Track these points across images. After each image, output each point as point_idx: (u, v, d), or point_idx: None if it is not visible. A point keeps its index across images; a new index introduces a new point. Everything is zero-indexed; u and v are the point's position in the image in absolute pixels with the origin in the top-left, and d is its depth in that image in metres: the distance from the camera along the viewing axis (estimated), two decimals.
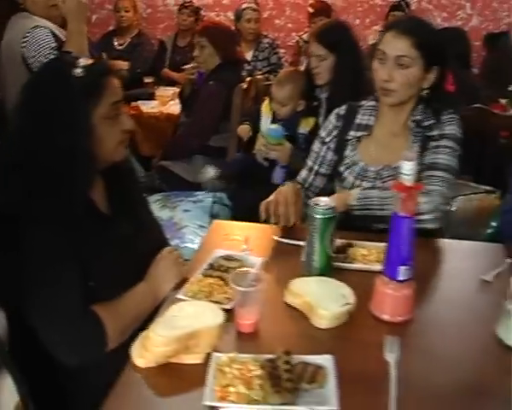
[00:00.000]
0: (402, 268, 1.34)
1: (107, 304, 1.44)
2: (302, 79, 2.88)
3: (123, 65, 4.83)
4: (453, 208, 2.64)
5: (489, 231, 2.31)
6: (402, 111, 1.99)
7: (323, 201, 1.50)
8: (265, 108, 3.10)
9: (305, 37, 4.98)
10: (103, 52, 4.85)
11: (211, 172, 3.04)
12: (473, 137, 2.99)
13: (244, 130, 3.16)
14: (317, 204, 1.49)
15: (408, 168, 1.26)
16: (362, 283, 1.48)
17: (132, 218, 1.64)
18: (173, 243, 2.76)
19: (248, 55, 4.92)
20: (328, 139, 2.11)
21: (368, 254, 1.67)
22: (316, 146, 2.15)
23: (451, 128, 1.96)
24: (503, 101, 4.10)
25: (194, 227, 2.81)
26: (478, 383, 1.25)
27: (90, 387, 1.33)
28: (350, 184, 2.03)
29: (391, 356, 1.25)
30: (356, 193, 1.92)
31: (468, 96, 3.16)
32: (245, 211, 2.57)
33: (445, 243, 1.95)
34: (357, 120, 2.07)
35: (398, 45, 1.87)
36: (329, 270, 1.54)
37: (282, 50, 5.36)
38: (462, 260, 1.82)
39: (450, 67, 3.22)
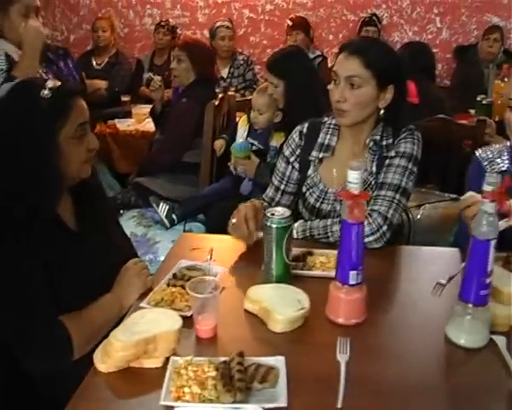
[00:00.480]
0: (353, 273, 1.41)
1: (74, 315, 1.50)
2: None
3: (101, 84, 4.92)
4: (418, 216, 2.73)
5: (453, 237, 2.38)
6: (362, 131, 2.02)
7: (279, 211, 1.57)
8: (242, 122, 3.21)
9: None
10: (82, 71, 4.96)
11: (164, 209, 3.10)
12: (438, 147, 3.08)
13: (218, 144, 3.25)
14: (272, 214, 1.56)
15: (354, 177, 1.33)
16: (321, 289, 1.53)
17: (100, 233, 1.70)
18: (147, 257, 2.83)
19: (224, 72, 5.01)
20: (292, 159, 2.12)
21: (326, 262, 1.72)
22: (281, 165, 2.15)
23: (406, 146, 1.98)
24: (472, 111, 4.21)
25: (168, 242, 2.86)
26: (425, 378, 1.31)
27: (56, 393, 1.38)
28: (311, 205, 2.06)
29: (342, 356, 1.32)
30: (298, 227, 1.95)
31: (433, 107, 3.26)
32: (217, 223, 2.64)
33: (406, 249, 2.04)
34: (320, 139, 2.08)
35: (349, 66, 1.91)
36: (288, 277, 1.61)
37: (257, 67, 5.44)
38: (420, 264, 1.90)
39: (415, 80, 3.33)
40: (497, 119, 3.70)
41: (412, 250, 2.06)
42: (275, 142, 2.98)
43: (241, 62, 5.09)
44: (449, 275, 1.70)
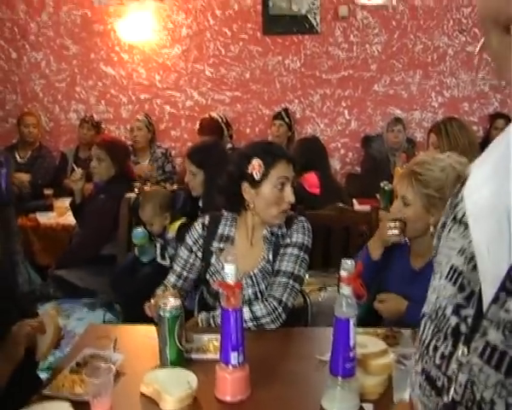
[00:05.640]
0: (234, 354, 1.58)
1: None
2: (161, 194, 3.22)
3: (24, 177, 5.00)
4: (320, 299, 2.94)
5: None
6: (263, 223, 2.25)
7: (170, 301, 1.74)
8: None
9: None
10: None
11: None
12: (337, 233, 3.35)
13: None
14: (165, 304, 1.73)
15: (229, 269, 1.53)
16: (214, 371, 1.70)
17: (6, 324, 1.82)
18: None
19: (144, 165, 5.22)
20: (195, 248, 2.30)
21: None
22: (183, 253, 2.31)
23: (298, 236, 2.23)
24: (378, 195, 4.55)
25: None
26: None
27: None
28: (214, 291, 2.23)
29: None
30: (202, 317, 2.14)
31: (332, 196, 3.54)
32: (133, 312, 2.77)
33: (300, 330, 2.23)
34: (220, 230, 2.29)
35: (291, 169, 2.21)
36: (181, 361, 1.76)
37: (178, 159, 5.69)
38: (310, 344, 2.08)
39: (318, 172, 3.63)
40: None
41: (305, 331, 2.26)
42: (170, 233, 3.14)
43: (160, 155, 5.31)
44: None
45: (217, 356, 1.79)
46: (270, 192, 2.18)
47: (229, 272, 1.53)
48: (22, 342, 1.71)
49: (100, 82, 5.89)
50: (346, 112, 5.82)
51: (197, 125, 5.28)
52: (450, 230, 0.78)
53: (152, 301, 2.02)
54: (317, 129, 5.81)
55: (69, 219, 4.11)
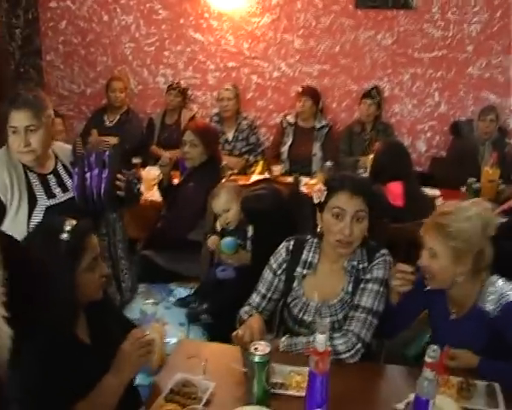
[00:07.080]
0: None
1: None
2: (234, 186, 3.34)
3: (112, 140, 5.18)
4: None
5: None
6: (344, 255, 2.31)
7: (261, 346, 1.84)
8: None
9: (288, 118, 5.43)
10: (94, 128, 5.24)
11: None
12: (419, 249, 3.31)
13: (212, 241, 3.29)
14: (255, 348, 1.82)
15: (320, 338, 1.60)
16: (295, 408, 1.79)
17: (111, 344, 1.96)
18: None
19: (229, 135, 5.32)
20: (279, 272, 2.39)
21: (302, 381, 1.95)
22: (268, 276, 2.41)
23: (379, 272, 2.27)
24: (463, 189, 4.44)
25: (175, 324, 3.11)
26: None
27: None
28: (294, 315, 2.33)
29: None
30: (282, 342, 2.22)
31: (418, 209, 3.44)
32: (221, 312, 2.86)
33: (371, 367, 2.26)
34: (304, 256, 2.36)
35: (355, 203, 2.21)
36: (266, 399, 1.86)
37: (263, 129, 5.78)
38: (381, 385, 2.16)
39: (402, 182, 3.55)
40: None
41: (380, 369, 2.29)
42: (250, 232, 3.21)
43: (245, 127, 5.37)
44: (406, 399, 1.95)
45: (298, 393, 1.90)
46: (327, 219, 2.27)
47: (320, 341, 1.60)
48: (135, 365, 1.87)
49: (188, 48, 5.95)
50: (436, 94, 5.64)
51: (299, 89, 5.44)
52: None
53: (239, 331, 2.10)
54: (404, 109, 5.70)
55: (156, 194, 4.21)
